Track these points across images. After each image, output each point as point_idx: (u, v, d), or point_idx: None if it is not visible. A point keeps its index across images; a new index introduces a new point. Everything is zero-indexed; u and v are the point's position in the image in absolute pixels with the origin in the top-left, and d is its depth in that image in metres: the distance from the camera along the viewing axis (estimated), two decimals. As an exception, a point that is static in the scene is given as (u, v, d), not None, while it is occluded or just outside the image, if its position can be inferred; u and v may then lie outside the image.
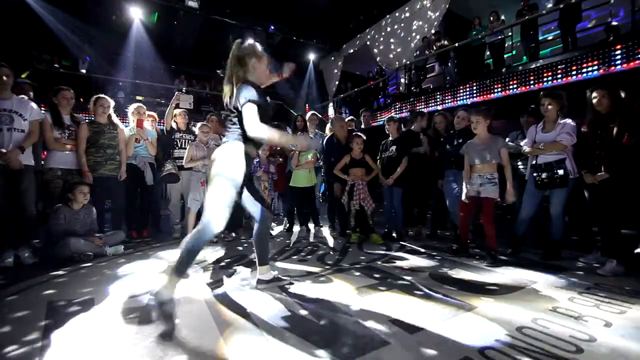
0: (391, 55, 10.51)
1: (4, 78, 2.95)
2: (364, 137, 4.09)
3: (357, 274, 2.74)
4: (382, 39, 10.90)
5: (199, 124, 4.15)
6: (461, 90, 7.37)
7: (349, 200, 4.03)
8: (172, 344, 1.59)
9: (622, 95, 2.77)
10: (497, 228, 3.10)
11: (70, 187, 3.30)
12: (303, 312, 1.97)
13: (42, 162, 3.65)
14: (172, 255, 3.32)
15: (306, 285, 2.44)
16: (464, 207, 3.28)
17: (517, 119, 3.91)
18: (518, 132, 3.78)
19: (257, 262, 2.37)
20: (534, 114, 3.59)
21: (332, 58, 13.22)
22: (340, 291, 2.33)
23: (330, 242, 4.07)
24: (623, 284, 2.41)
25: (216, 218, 2.03)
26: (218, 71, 13.61)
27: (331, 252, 3.51)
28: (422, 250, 3.60)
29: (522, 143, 3.35)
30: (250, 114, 1.96)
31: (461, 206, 3.32)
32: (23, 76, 3.76)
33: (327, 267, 2.96)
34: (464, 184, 3.27)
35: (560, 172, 2.94)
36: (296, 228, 4.73)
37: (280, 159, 4.74)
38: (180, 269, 2.02)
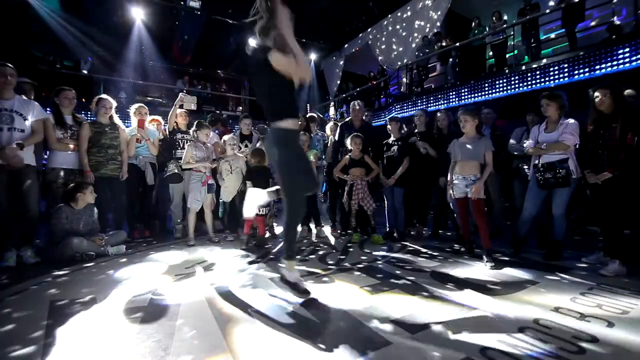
0: (393, 55, 10.50)
1: (8, 78, 2.96)
2: (363, 138, 4.08)
3: (359, 274, 2.74)
4: (383, 38, 10.89)
5: (196, 124, 4.12)
6: (463, 90, 7.35)
7: (349, 200, 4.03)
8: (174, 344, 1.59)
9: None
10: (494, 228, 3.10)
11: (77, 187, 3.31)
12: (305, 312, 1.97)
13: (45, 162, 3.66)
14: (172, 256, 3.34)
15: (308, 286, 2.43)
16: (460, 208, 3.30)
17: (519, 119, 3.90)
18: (523, 128, 3.74)
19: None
20: (540, 112, 3.58)
21: (334, 58, 13.21)
22: (342, 291, 2.33)
23: (332, 242, 4.07)
24: (626, 284, 2.41)
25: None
26: (219, 71, 13.69)
27: (333, 252, 3.50)
28: (424, 250, 3.59)
29: (525, 144, 3.34)
30: None
31: (457, 207, 3.33)
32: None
33: (328, 267, 2.96)
34: (448, 183, 3.34)
35: (563, 171, 2.94)
36: (297, 228, 4.72)
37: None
38: (290, 252, 2.19)
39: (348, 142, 4.10)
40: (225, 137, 4.22)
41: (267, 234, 4.30)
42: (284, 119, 2.02)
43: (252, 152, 3.83)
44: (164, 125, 4.73)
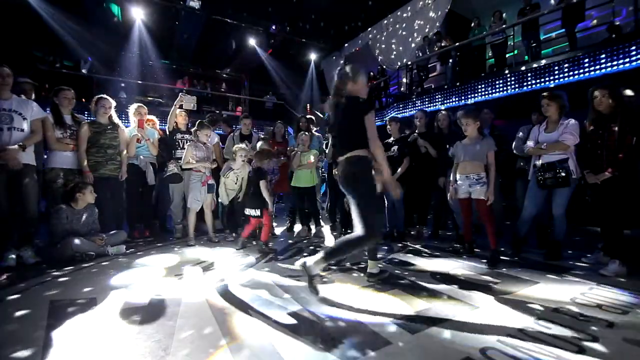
0: (393, 55, 10.50)
1: (5, 78, 2.96)
2: None
3: (359, 274, 2.73)
4: (383, 38, 10.89)
5: (197, 124, 4.11)
6: (463, 90, 7.36)
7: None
8: (174, 344, 1.59)
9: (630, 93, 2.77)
10: (497, 228, 3.10)
11: (77, 187, 3.30)
12: (304, 312, 1.97)
13: (43, 162, 3.66)
14: (172, 256, 3.34)
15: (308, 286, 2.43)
16: (463, 208, 3.30)
17: (520, 119, 3.89)
18: (529, 126, 3.73)
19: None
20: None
21: (334, 58, 13.21)
22: (342, 291, 2.33)
23: (332, 241, 4.06)
24: (625, 284, 2.41)
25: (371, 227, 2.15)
26: (219, 71, 13.70)
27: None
28: (424, 250, 3.59)
29: (526, 144, 3.33)
30: None
31: (461, 207, 3.34)
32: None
33: (328, 267, 2.94)
34: (450, 184, 3.35)
35: (563, 172, 2.94)
36: (297, 227, 4.73)
37: (283, 159, 4.73)
38: (329, 258, 2.18)
39: None
40: (236, 147, 4.08)
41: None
42: (361, 148, 2.20)
43: (258, 154, 3.77)
44: (160, 126, 4.72)
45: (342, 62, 12.84)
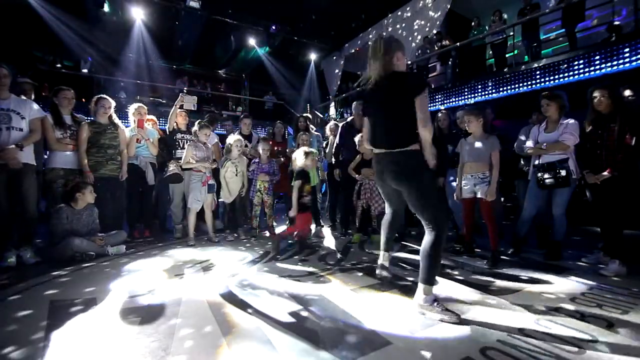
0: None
1: (2, 79, 2.95)
2: None
3: (359, 274, 2.73)
4: (383, 38, 10.89)
5: (197, 124, 4.12)
6: (463, 90, 7.35)
7: (357, 200, 4.01)
8: (174, 343, 1.59)
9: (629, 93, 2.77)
10: (499, 228, 3.10)
11: (77, 187, 3.30)
12: (304, 312, 1.97)
13: (44, 162, 3.66)
14: (172, 256, 3.34)
15: (307, 286, 2.44)
16: (466, 208, 3.30)
17: (520, 119, 3.89)
18: (531, 126, 3.73)
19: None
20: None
21: (334, 58, 13.21)
22: (342, 291, 2.33)
23: (332, 242, 4.06)
24: (626, 284, 2.41)
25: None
26: (219, 71, 13.69)
27: (333, 252, 3.50)
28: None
29: (526, 144, 3.33)
30: None
31: (463, 206, 3.33)
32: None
33: (328, 267, 2.96)
34: (457, 183, 3.34)
35: (563, 172, 2.94)
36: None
37: (282, 159, 4.73)
38: (431, 281, 1.92)
39: (357, 140, 4.00)
40: (231, 139, 4.14)
41: (267, 234, 4.32)
42: (414, 143, 2.01)
43: (302, 155, 3.72)
44: (160, 126, 4.72)
45: (342, 62, 12.85)
